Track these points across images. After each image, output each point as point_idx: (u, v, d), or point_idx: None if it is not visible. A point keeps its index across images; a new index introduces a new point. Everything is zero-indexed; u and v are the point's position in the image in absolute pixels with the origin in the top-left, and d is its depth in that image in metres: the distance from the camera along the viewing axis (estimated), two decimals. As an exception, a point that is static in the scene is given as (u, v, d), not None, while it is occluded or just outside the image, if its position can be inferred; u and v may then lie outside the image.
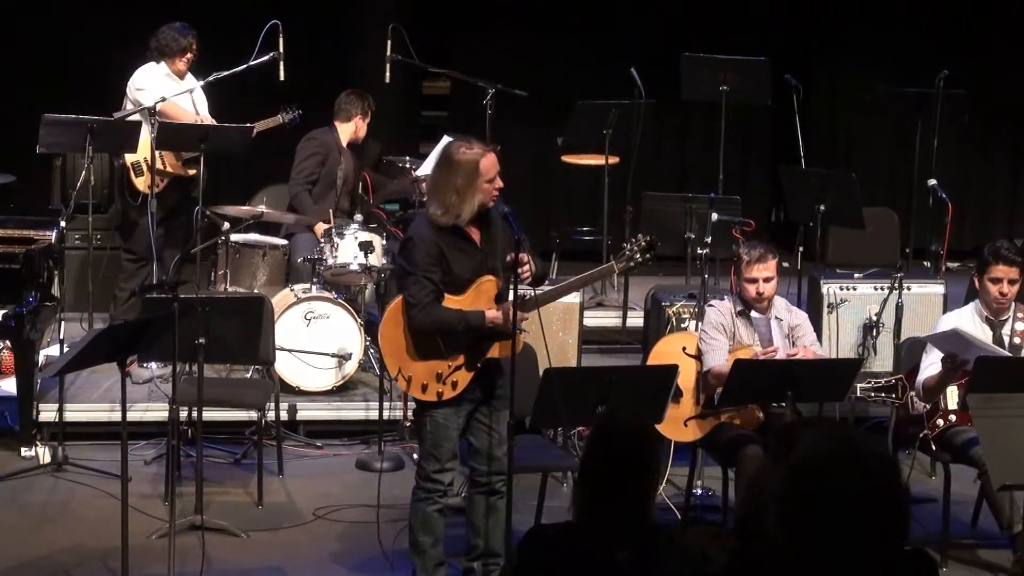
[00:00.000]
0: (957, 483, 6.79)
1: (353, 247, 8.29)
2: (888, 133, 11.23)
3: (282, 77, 8.51)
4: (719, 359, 6.63)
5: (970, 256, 10.31)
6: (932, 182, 9.03)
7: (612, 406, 5.62)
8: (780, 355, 6.54)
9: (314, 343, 8.22)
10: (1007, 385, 6.05)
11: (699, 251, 7.95)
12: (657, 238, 6.18)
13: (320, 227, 8.65)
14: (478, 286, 5.81)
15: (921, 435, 6.72)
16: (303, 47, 9.19)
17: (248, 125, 8.64)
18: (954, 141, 10.48)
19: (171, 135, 8.28)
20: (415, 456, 7.59)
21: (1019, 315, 6.81)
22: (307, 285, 8.38)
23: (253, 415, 7.56)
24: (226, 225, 8.23)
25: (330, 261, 8.33)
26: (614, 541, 3.73)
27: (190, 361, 6.94)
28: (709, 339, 6.72)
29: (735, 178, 10.08)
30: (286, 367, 8.15)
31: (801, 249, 8.56)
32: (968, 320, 6.79)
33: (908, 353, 7.20)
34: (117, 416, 5.97)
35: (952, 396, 6.71)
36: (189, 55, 8.69)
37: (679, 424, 6.66)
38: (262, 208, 8.39)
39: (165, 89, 8.55)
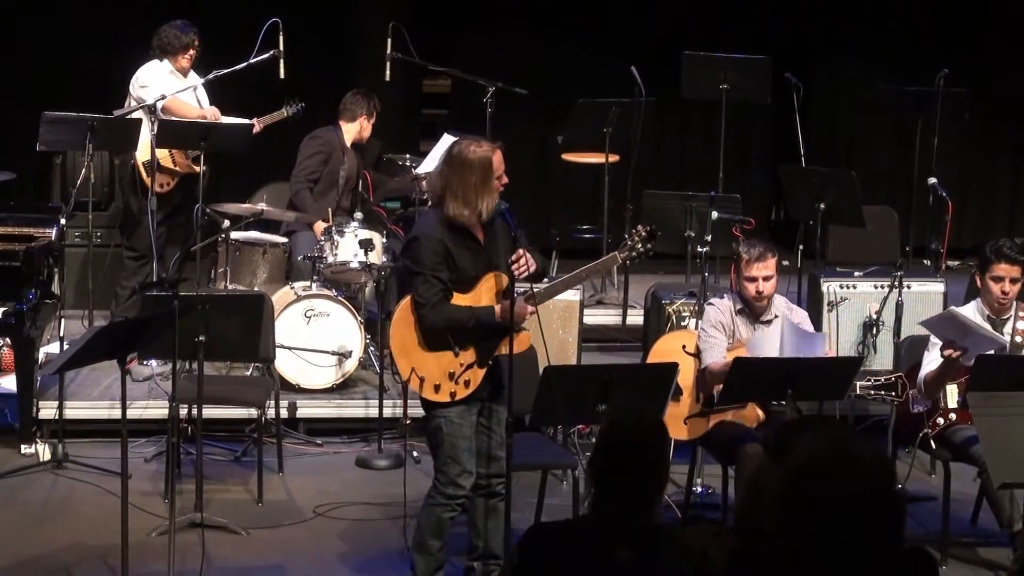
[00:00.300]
0: (957, 481, 6.79)
1: (353, 245, 8.29)
2: (888, 132, 11.24)
3: (282, 75, 8.52)
4: (716, 357, 6.64)
5: (970, 254, 10.31)
6: (932, 180, 9.03)
7: (625, 407, 5.62)
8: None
9: (314, 341, 8.22)
10: (1007, 383, 6.05)
11: (699, 249, 7.96)
12: (657, 228, 6.19)
13: (319, 226, 8.65)
14: (485, 282, 5.81)
15: (921, 433, 6.72)
16: (303, 45, 9.18)
17: (249, 122, 8.65)
18: (954, 140, 10.48)
19: (171, 133, 8.28)
20: (415, 454, 7.61)
21: (1020, 314, 6.81)
22: (307, 283, 8.38)
23: (253, 413, 7.56)
24: (226, 223, 8.23)
25: (330, 259, 8.34)
26: (615, 539, 3.73)
27: (190, 359, 6.94)
28: (707, 336, 6.73)
29: (735, 176, 10.08)
30: (286, 365, 8.15)
31: (801, 247, 8.56)
32: (970, 318, 6.79)
33: (908, 351, 7.20)
34: (117, 414, 5.98)
35: (952, 394, 6.72)
36: (191, 52, 8.70)
37: (679, 422, 6.66)
38: (262, 206, 8.39)
39: (168, 87, 8.56)
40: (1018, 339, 6.78)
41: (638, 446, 3.83)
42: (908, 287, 7.92)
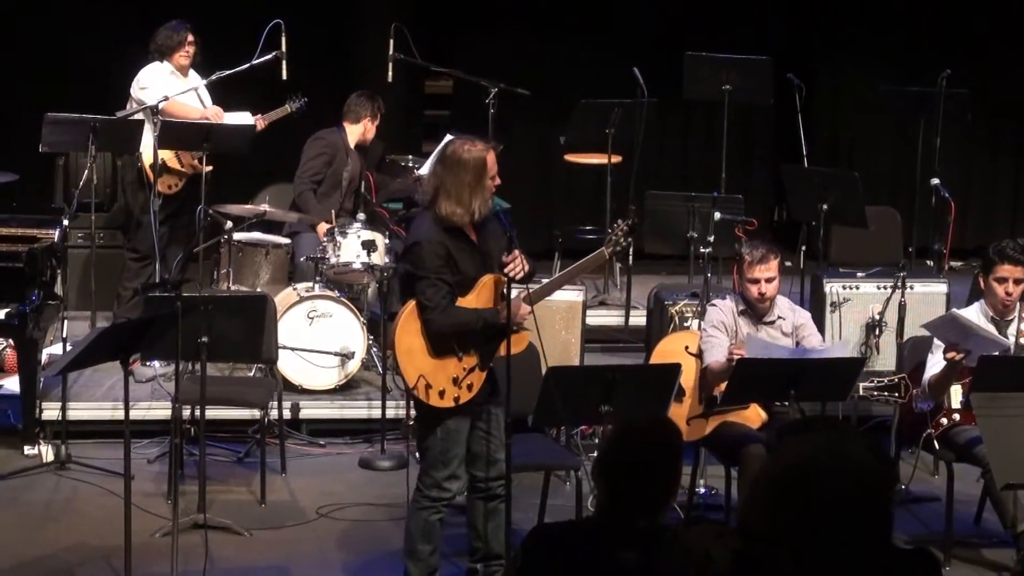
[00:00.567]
0: (960, 482, 6.79)
1: (356, 246, 8.29)
2: (891, 132, 11.23)
3: (284, 76, 8.52)
4: (718, 356, 6.64)
5: (973, 255, 10.30)
6: (935, 181, 9.03)
7: (629, 408, 5.61)
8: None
9: (317, 342, 8.22)
10: (1011, 384, 6.04)
11: (702, 250, 7.96)
12: (639, 221, 6.19)
13: (322, 227, 8.65)
14: (484, 285, 5.80)
15: (925, 434, 6.72)
16: (305, 46, 9.19)
17: (251, 123, 8.65)
18: (957, 140, 10.48)
19: (173, 134, 8.29)
20: (417, 455, 7.60)
21: (1024, 315, 6.81)
22: (310, 284, 8.38)
23: (256, 414, 7.56)
24: (229, 224, 8.23)
25: (333, 260, 8.34)
26: (619, 541, 3.73)
27: (193, 360, 6.94)
28: (709, 337, 6.73)
29: (738, 177, 10.08)
30: (289, 366, 8.15)
31: (804, 248, 8.56)
32: (973, 320, 6.78)
33: (911, 352, 7.20)
34: (120, 415, 5.97)
35: (956, 395, 6.71)
36: (187, 49, 8.72)
37: (682, 423, 6.65)
38: (265, 207, 8.39)
39: (169, 87, 8.56)
40: (1023, 340, 6.77)
41: (653, 448, 3.81)
42: (911, 288, 7.92)
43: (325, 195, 8.97)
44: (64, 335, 8.01)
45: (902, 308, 7.54)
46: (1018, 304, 6.80)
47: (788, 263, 7.75)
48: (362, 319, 8.29)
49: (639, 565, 3.69)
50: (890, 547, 2.91)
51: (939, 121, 9.23)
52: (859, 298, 8.35)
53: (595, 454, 5.54)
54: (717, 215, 7.96)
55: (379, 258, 8.29)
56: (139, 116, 8.40)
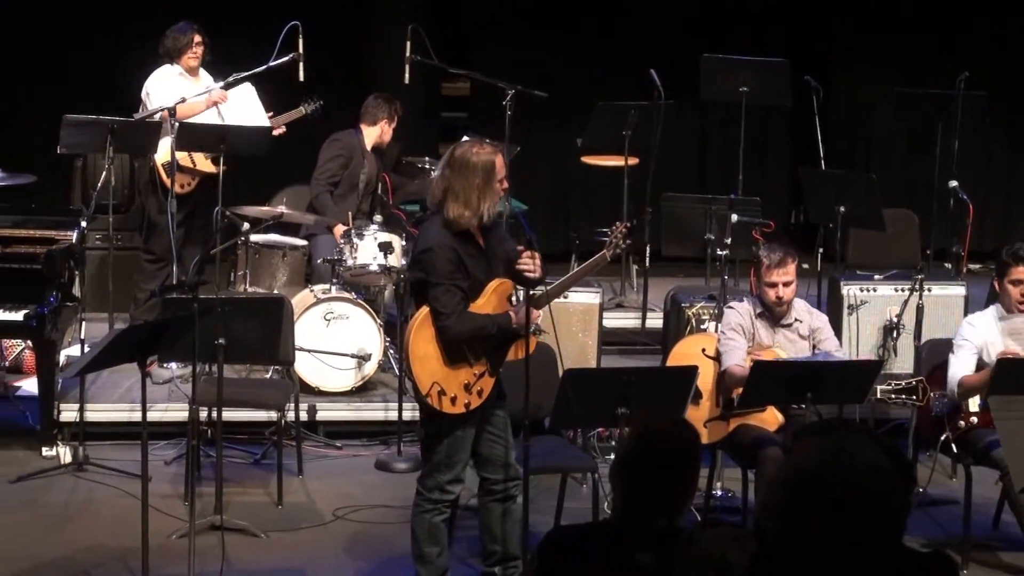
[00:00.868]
0: (979, 485, 6.77)
1: (373, 248, 8.30)
2: (908, 135, 11.20)
3: (302, 78, 8.53)
4: (736, 359, 6.63)
5: (991, 258, 10.26)
6: (953, 184, 9.00)
7: (655, 413, 5.61)
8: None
9: (334, 344, 8.23)
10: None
11: (719, 252, 7.94)
12: (638, 224, 6.19)
13: (339, 229, 8.65)
14: (494, 289, 5.79)
15: (943, 437, 6.70)
16: (322, 48, 9.20)
17: (267, 125, 8.66)
18: (975, 143, 10.44)
19: (191, 136, 8.30)
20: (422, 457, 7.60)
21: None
22: (327, 286, 8.39)
23: (273, 415, 7.57)
24: (246, 226, 8.24)
25: (350, 262, 8.34)
26: (635, 544, 3.72)
27: (210, 361, 6.95)
28: (727, 340, 6.72)
29: (755, 179, 10.06)
30: (306, 367, 8.16)
31: (821, 250, 8.54)
32: (990, 323, 6.77)
33: (929, 354, 7.18)
34: (137, 416, 5.98)
35: (974, 398, 6.69)
36: (195, 49, 8.74)
37: (699, 426, 6.63)
38: (282, 209, 8.40)
39: (178, 90, 8.57)
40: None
41: (670, 449, 3.80)
42: (929, 290, 7.90)
43: (342, 197, 8.98)
44: (82, 336, 8.04)
45: (920, 311, 7.52)
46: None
47: (805, 265, 7.73)
48: (379, 321, 8.29)
49: (655, 568, 3.69)
50: (907, 550, 2.90)
51: (957, 124, 9.20)
52: (876, 301, 8.34)
53: (612, 456, 5.53)
54: (734, 217, 7.95)
55: (396, 260, 8.29)
56: (156, 118, 8.41)
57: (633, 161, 9.61)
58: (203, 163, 8.68)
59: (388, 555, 6.63)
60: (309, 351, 8.13)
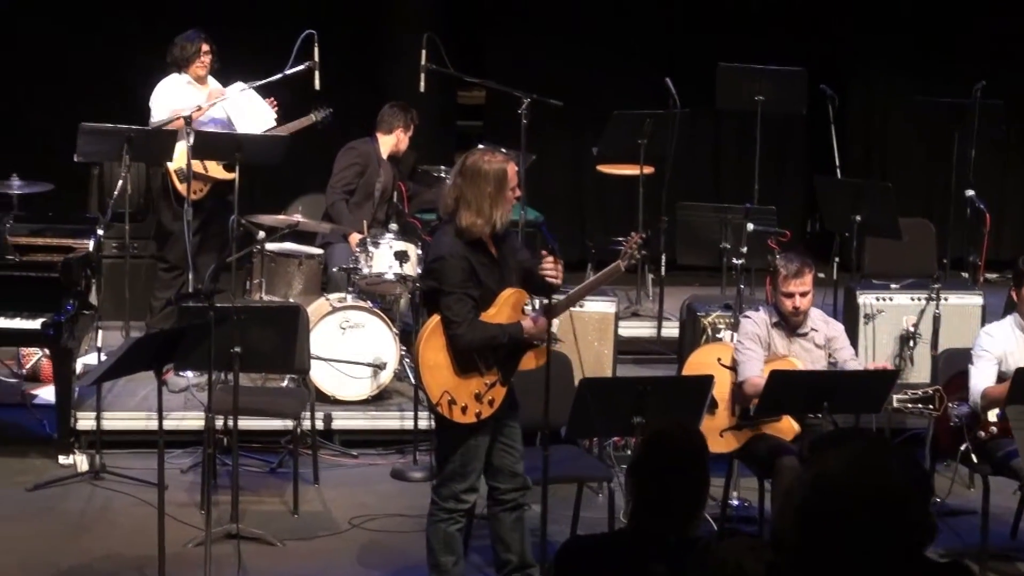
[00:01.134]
0: (997, 495, 6.75)
1: (388, 257, 8.30)
2: (924, 143, 11.18)
3: (317, 86, 8.54)
4: (754, 370, 6.62)
5: (1009, 267, 10.23)
6: (970, 193, 8.98)
7: (665, 421, 5.60)
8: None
9: (349, 352, 8.23)
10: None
11: (734, 261, 7.94)
12: (652, 234, 6.19)
13: (354, 237, 8.65)
14: (506, 299, 5.79)
15: (962, 447, 6.68)
16: (338, 56, 9.21)
17: (281, 135, 8.66)
18: (991, 151, 10.42)
19: (206, 145, 8.32)
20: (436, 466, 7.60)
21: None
22: (342, 294, 8.39)
23: (289, 424, 7.58)
24: (261, 234, 8.25)
25: (365, 270, 8.35)
26: (651, 553, 3.72)
27: (226, 370, 6.95)
28: (744, 349, 6.71)
29: (770, 188, 10.05)
30: (321, 376, 8.16)
31: (837, 259, 8.52)
32: (1008, 332, 6.75)
33: (946, 364, 7.16)
34: (154, 424, 5.99)
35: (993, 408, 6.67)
36: (203, 58, 8.74)
37: (714, 435, 6.64)
38: (298, 217, 8.41)
39: (186, 98, 8.59)
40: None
41: (675, 453, 3.80)
42: (945, 300, 7.89)
43: (357, 205, 8.99)
44: (99, 345, 8.05)
45: (936, 320, 7.50)
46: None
47: (821, 275, 7.71)
48: (394, 330, 8.29)
49: (670, 577, 3.69)
50: (925, 560, 2.89)
51: (974, 132, 9.18)
52: (893, 310, 8.32)
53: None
54: (750, 226, 7.94)
55: (411, 269, 8.29)
56: (172, 126, 8.43)
57: (648, 170, 9.60)
58: (215, 169, 8.69)
59: (404, 564, 6.63)
60: (325, 360, 8.14)
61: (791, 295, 6.69)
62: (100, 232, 8.17)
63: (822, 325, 6.83)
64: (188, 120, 8.35)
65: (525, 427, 6.03)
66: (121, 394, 8.24)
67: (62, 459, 7.71)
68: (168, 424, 6.57)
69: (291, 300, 8.52)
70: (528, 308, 5.93)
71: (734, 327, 7.40)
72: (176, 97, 8.66)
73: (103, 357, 7.68)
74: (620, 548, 3.84)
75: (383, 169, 9.05)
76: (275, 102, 8.83)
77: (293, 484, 7.29)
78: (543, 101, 8.70)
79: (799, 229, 10.63)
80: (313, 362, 7.77)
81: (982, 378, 6.62)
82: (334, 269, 8.71)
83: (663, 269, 9.43)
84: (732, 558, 3.25)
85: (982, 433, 6.67)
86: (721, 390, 6.63)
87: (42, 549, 6.73)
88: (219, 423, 7.37)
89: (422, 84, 8.76)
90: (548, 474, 5.80)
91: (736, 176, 10.89)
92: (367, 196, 8.98)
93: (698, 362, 6.91)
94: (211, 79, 8.88)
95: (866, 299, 8.33)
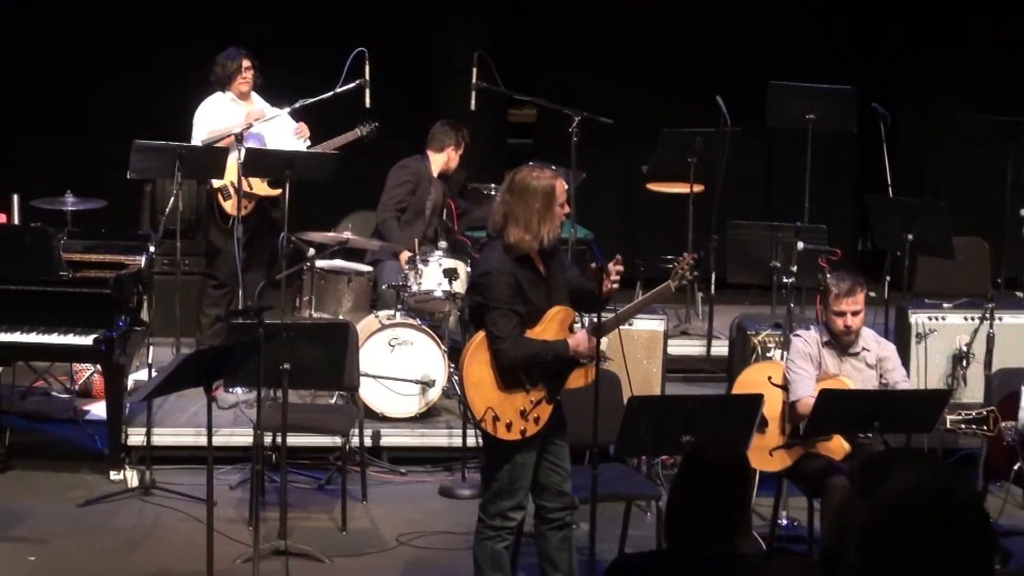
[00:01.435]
0: (1051, 517, 6.68)
1: (437, 274, 8.32)
2: (978, 161, 11.08)
3: (368, 104, 8.57)
4: (807, 389, 6.57)
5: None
6: (1024, 212, 8.90)
7: (705, 435, 5.57)
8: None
9: (398, 369, 8.24)
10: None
11: (785, 280, 7.89)
12: (703, 256, 6.16)
13: (404, 255, 8.67)
14: (553, 316, 5.78)
15: (1016, 467, 6.61)
16: (389, 74, 9.24)
17: (333, 152, 8.69)
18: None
19: (257, 161, 8.36)
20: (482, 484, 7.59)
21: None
22: (392, 311, 8.41)
23: (337, 441, 7.59)
24: (311, 251, 8.29)
25: (414, 288, 8.37)
26: (699, 572, 3.69)
27: (275, 387, 6.98)
28: (797, 368, 6.66)
29: (821, 206, 9.99)
30: (370, 393, 8.17)
31: (888, 278, 8.46)
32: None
33: (1000, 384, 7.09)
34: (203, 440, 6.02)
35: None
36: (245, 74, 8.81)
37: (764, 454, 6.60)
38: (347, 234, 8.44)
39: (229, 117, 8.65)
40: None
41: (718, 467, 3.78)
42: (999, 319, 7.82)
43: (408, 223, 9.01)
44: (149, 361, 8.09)
45: (990, 339, 7.44)
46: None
47: (872, 294, 7.66)
48: (443, 347, 8.30)
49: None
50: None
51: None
52: (945, 329, 8.25)
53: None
54: (800, 245, 7.89)
55: (460, 286, 8.30)
56: (223, 143, 8.48)
57: (699, 188, 9.58)
58: (259, 186, 8.74)
59: (451, 582, 6.62)
60: (374, 377, 8.15)
61: (843, 314, 6.64)
62: (152, 249, 8.23)
63: (874, 345, 6.78)
64: (240, 137, 8.40)
65: (573, 445, 6.01)
66: (171, 410, 8.28)
67: (113, 475, 7.76)
68: (217, 440, 6.60)
69: (340, 317, 8.54)
70: (576, 326, 5.91)
71: (784, 346, 7.36)
72: (217, 115, 8.72)
73: (154, 373, 7.72)
74: (668, 566, 3.81)
75: (434, 187, 9.07)
76: (305, 128, 8.85)
77: (341, 501, 7.30)
78: (593, 119, 8.70)
79: (850, 248, 10.57)
80: (362, 379, 7.79)
81: None
82: (384, 286, 8.73)
83: (713, 287, 9.39)
84: (781, 578, 3.23)
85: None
86: (772, 409, 6.60)
87: (93, 565, 6.76)
88: (268, 440, 7.40)
89: (473, 102, 8.78)
90: (596, 492, 5.78)
91: (787, 195, 10.83)
92: (418, 214, 9.00)
93: (748, 381, 6.87)
94: (255, 95, 8.93)
95: (918, 318, 8.27)
